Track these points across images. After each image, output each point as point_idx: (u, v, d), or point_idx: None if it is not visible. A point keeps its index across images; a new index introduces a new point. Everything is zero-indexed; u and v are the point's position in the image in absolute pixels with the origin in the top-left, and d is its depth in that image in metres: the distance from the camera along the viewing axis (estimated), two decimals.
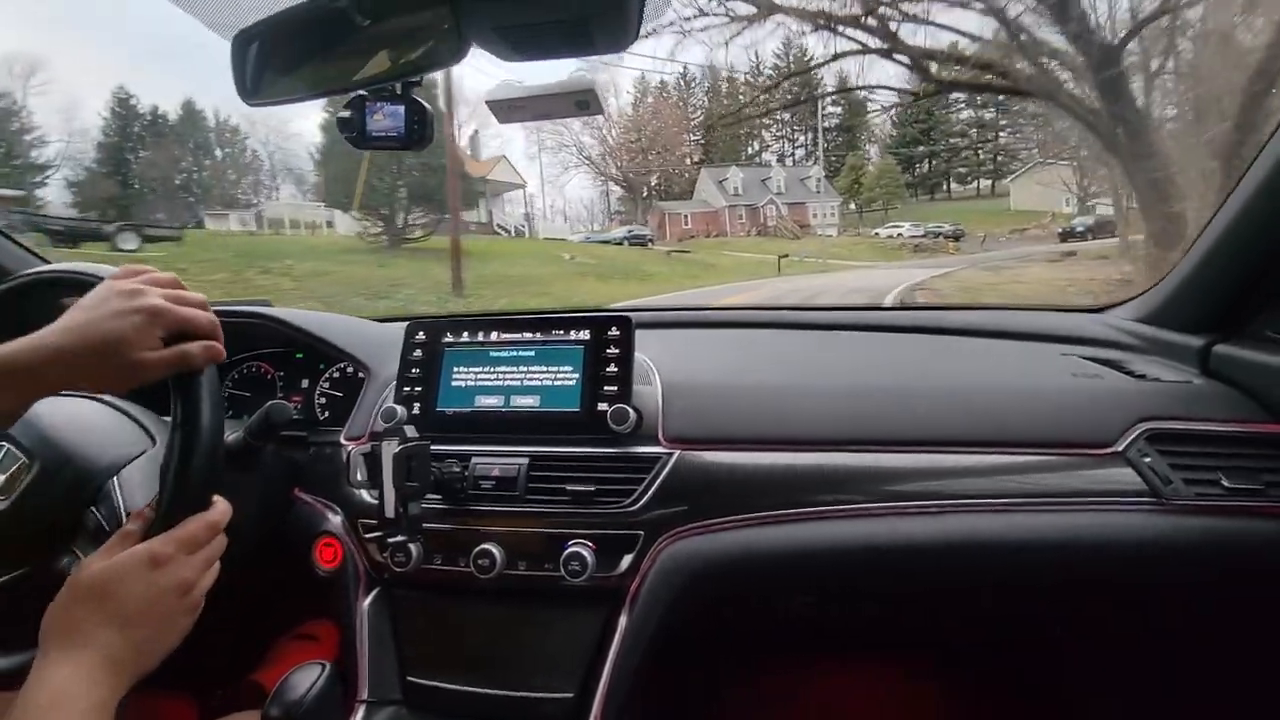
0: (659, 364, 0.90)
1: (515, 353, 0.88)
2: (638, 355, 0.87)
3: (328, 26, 0.65)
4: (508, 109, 0.75)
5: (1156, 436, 0.75)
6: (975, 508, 0.74)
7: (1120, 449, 0.75)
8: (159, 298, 0.58)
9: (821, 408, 0.83)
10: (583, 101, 0.73)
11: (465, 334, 0.90)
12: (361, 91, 0.69)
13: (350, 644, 0.81)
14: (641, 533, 0.77)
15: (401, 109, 0.71)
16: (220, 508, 0.60)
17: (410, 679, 0.80)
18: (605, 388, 0.83)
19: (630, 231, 24.18)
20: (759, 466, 0.79)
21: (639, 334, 0.86)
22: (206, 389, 0.60)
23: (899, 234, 24.62)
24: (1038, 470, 0.75)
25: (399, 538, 0.75)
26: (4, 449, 0.71)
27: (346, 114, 0.72)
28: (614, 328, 0.85)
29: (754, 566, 0.76)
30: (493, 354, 0.88)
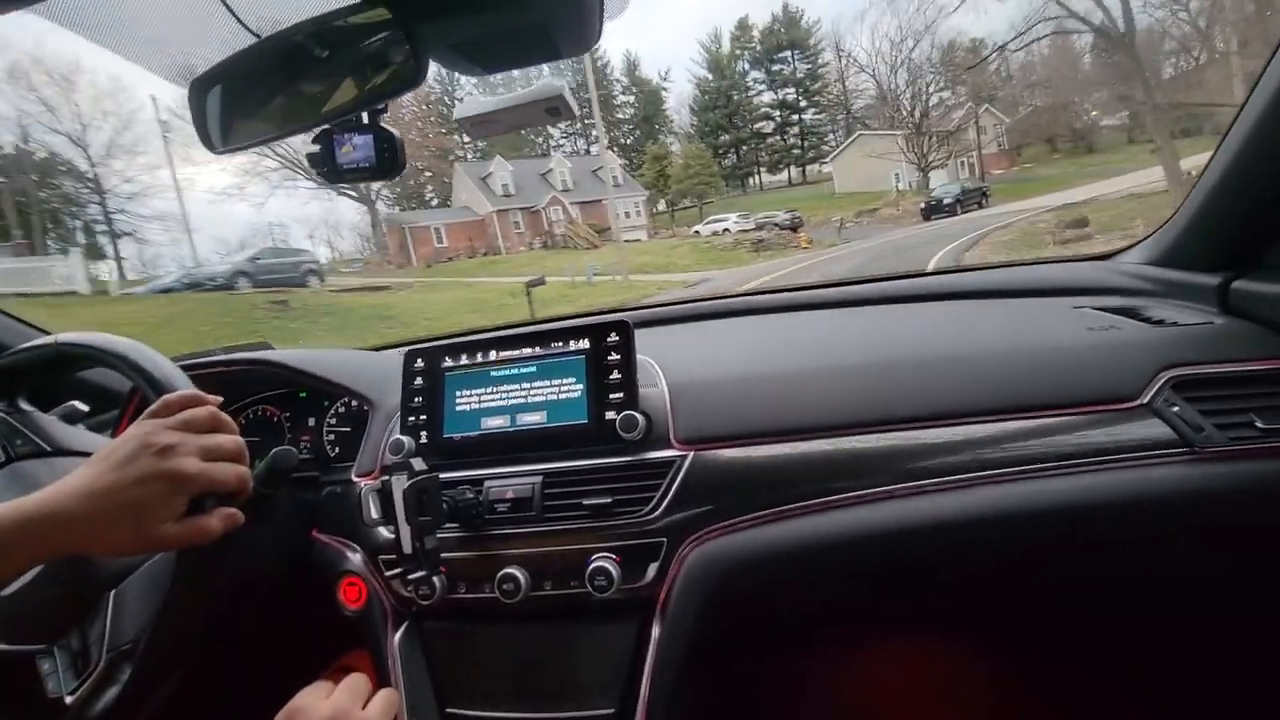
0: (663, 363, 0.88)
1: (517, 370, 0.86)
2: (640, 357, 0.85)
3: (285, 63, 0.63)
4: (478, 124, 0.73)
5: (1183, 383, 0.73)
6: (1003, 478, 0.72)
7: (1146, 401, 0.73)
8: (191, 456, 0.56)
9: (834, 391, 0.81)
10: (553, 109, 0.71)
11: (464, 356, 0.89)
12: (326, 125, 0.67)
13: (385, 680, 0.81)
14: (664, 539, 0.76)
15: (370, 138, 0.69)
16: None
17: (449, 710, 0.79)
18: (611, 396, 0.81)
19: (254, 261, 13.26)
20: (775, 459, 0.77)
21: (639, 334, 0.85)
22: (211, 546, 0.59)
23: (725, 229, 21.14)
24: (1063, 432, 0.73)
25: (419, 573, 0.74)
26: None
27: (315, 149, 0.70)
28: (613, 333, 0.83)
29: (782, 562, 0.74)
30: (494, 374, 0.87)
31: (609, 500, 0.77)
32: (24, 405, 0.78)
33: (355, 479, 0.90)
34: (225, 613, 0.75)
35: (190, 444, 0.56)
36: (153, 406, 0.60)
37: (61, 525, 0.52)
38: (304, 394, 1.10)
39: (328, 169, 0.70)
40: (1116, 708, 0.96)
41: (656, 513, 0.76)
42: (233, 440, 0.60)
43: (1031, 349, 0.82)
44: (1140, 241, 1.01)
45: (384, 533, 0.84)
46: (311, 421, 1.08)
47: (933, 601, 0.87)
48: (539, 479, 0.80)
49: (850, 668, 0.99)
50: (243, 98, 0.66)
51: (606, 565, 0.75)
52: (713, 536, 0.76)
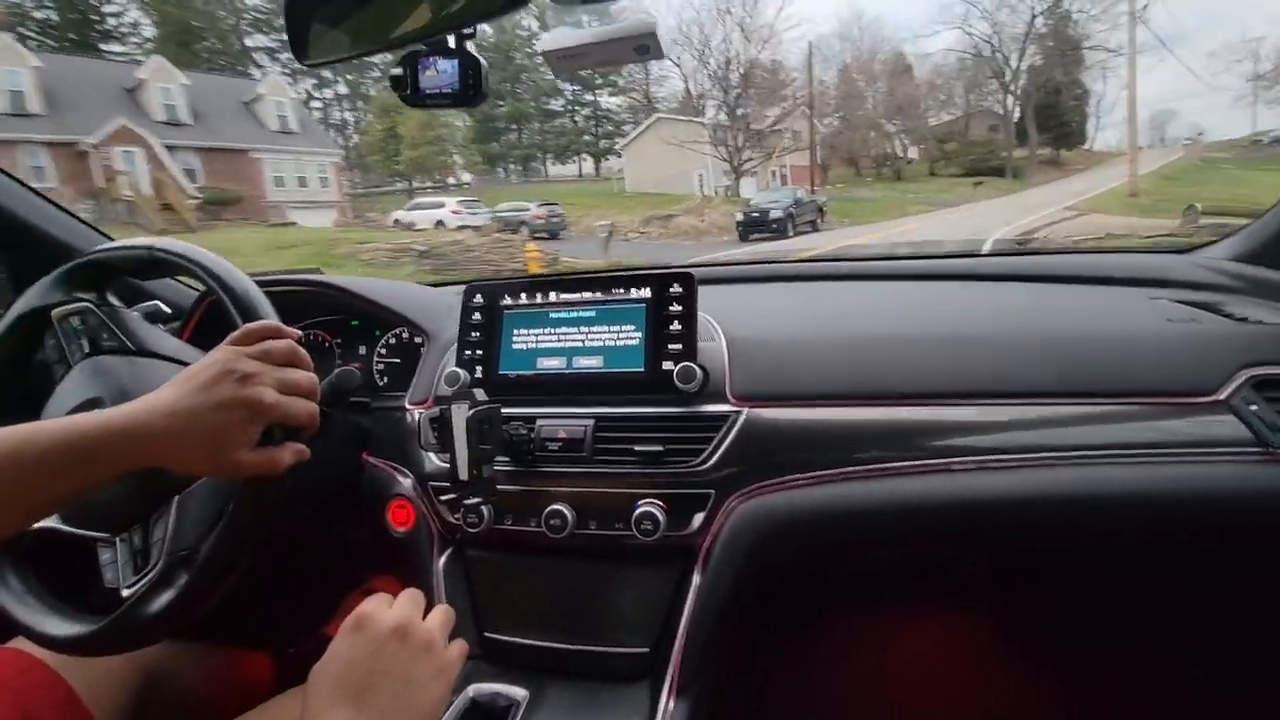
0: (722, 320, 0.87)
1: (576, 313, 0.86)
2: (700, 313, 0.85)
3: None
4: (565, 58, 0.72)
5: (1263, 383, 0.71)
6: (1066, 461, 0.71)
7: (1223, 397, 0.71)
8: (269, 386, 0.57)
9: (896, 360, 0.80)
10: (643, 46, 0.69)
11: (524, 295, 0.89)
12: (417, 47, 0.67)
13: (428, 602, 0.84)
14: (712, 491, 0.76)
15: (455, 63, 0.69)
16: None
17: (487, 635, 0.82)
18: (670, 346, 0.81)
19: None
20: (831, 422, 0.77)
21: (700, 290, 0.84)
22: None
23: (438, 223, 14.25)
24: (1133, 420, 0.72)
25: (474, 499, 0.76)
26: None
27: (398, 71, 0.70)
28: (676, 284, 0.83)
29: (828, 524, 0.75)
30: (553, 315, 0.87)
31: (660, 448, 0.78)
32: (112, 299, 0.79)
33: (409, 406, 0.92)
34: (281, 525, 0.78)
35: (269, 375, 0.58)
36: (236, 334, 0.62)
37: (143, 440, 0.54)
38: (355, 322, 1.12)
39: (410, 92, 0.70)
40: (1162, 694, 0.96)
41: (707, 465, 0.77)
42: (308, 376, 0.61)
43: (1106, 335, 0.80)
44: (1225, 237, 0.97)
45: (435, 460, 0.86)
46: (362, 350, 1.10)
47: (982, 578, 0.88)
48: (591, 422, 0.81)
49: (887, 636, 1.01)
50: (334, 12, 0.66)
51: (653, 511, 0.76)
52: (761, 493, 0.76)
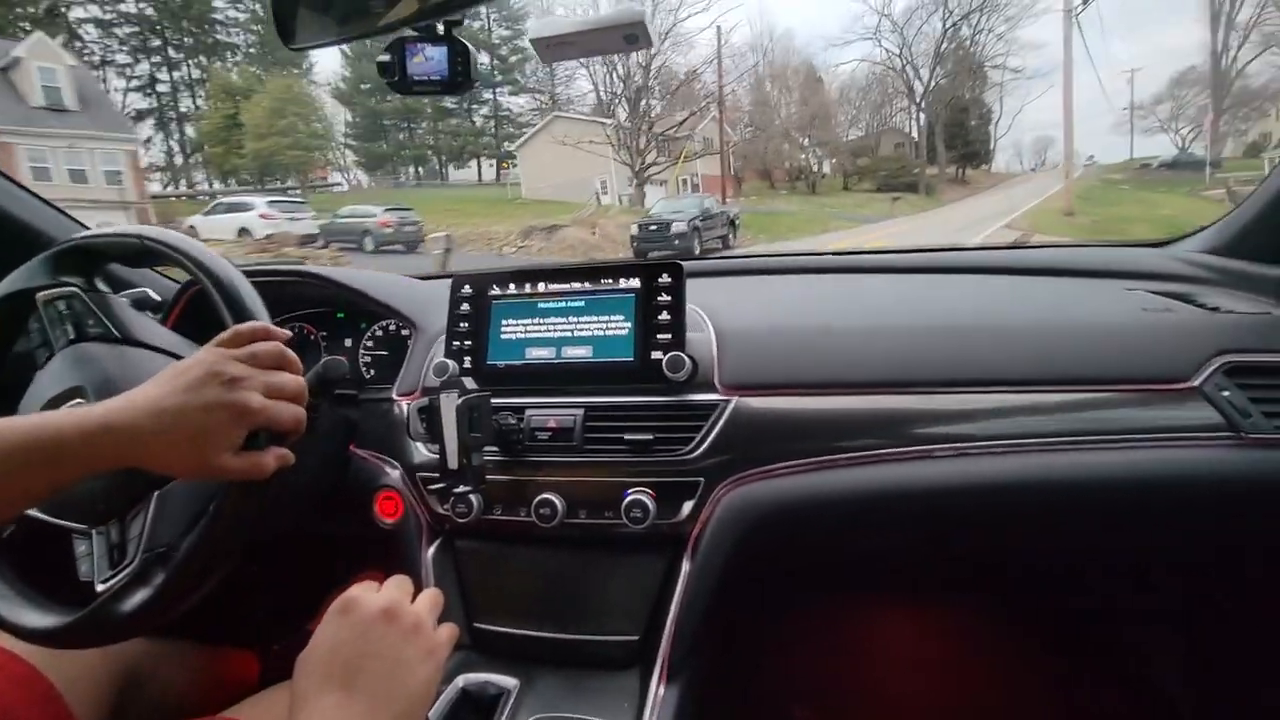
0: (710, 311, 0.88)
1: (564, 304, 0.86)
2: (688, 304, 0.85)
3: None
4: (553, 45, 0.72)
5: (1235, 369, 0.73)
6: (1045, 447, 0.72)
7: (1197, 384, 0.73)
8: (255, 390, 0.56)
9: (881, 350, 0.81)
10: (632, 35, 0.70)
11: (512, 286, 0.89)
12: (405, 33, 0.66)
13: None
14: (701, 479, 0.77)
15: (443, 50, 0.68)
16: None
17: (476, 625, 0.82)
18: (659, 336, 0.81)
19: None
20: (818, 411, 0.78)
21: (688, 283, 0.85)
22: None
23: (240, 230, 11.36)
24: (1110, 407, 0.73)
25: (463, 489, 0.76)
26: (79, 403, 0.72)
27: (386, 57, 0.69)
28: (665, 275, 0.83)
29: (816, 510, 0.76)
30: (541, 306, 0.87)
31: (650, 437, 0.78)
32: (100, 285, 0.77)
33: (396, 397, 0.92)
34: (265, 524, 0.77)
35: (256, 379, 0.57)
36: (224, 335, 0.60)
37: (125, 439, 0.53)
38: (341, 314, 1.11)
39: (398, 79, 0.70)
40: (1144, 675, 0.99)
41: (696, 453, 0.77)
42: (295, 380, 0.60)
43: (1084, 325, 0.82)
44: (1199, 231, 1.00)
45: (424, 450, 0.86)
46: (348, 342, 1.09)
47: (965, 565, 0.89)
48: (581, 411, 0.81)
49: (874, 624, 1.02)
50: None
51: (643, 499, 0.76)
52: (749, 480, 0.77)
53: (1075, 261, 1.03)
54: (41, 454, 0.52)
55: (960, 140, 31.47)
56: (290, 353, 0.61)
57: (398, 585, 0.60)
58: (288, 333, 0.62)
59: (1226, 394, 0.71)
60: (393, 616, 0.55)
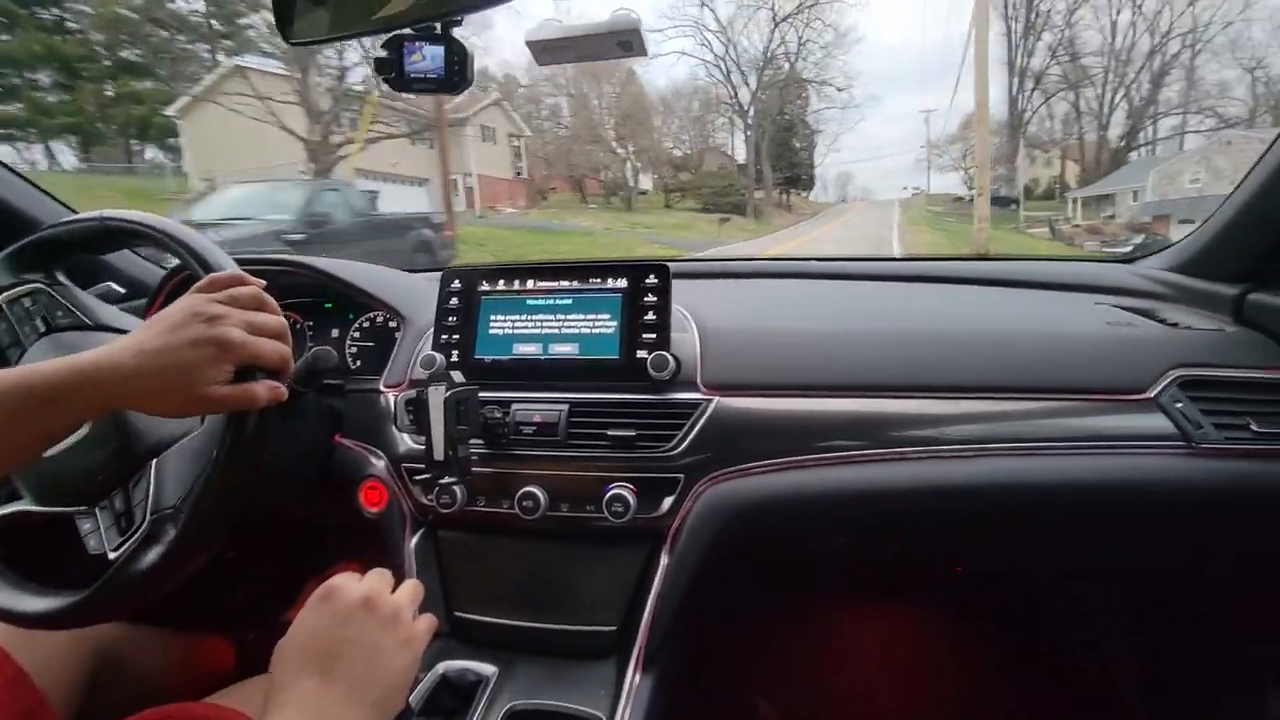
0: (694, 312, 0.90)
1: (552, 301, 0.88)
2: (674, 305, 0.88)
3: None
4: (548, 49, 0.74)
5: (1189, 383, 0.77)
6: (1012, 451, 0.76)
7: (1152, 395, 0.77)
8: (237, 327, 0.58)
9: (858, 354, 0.84)
10: (626, 41, 0.72)
11: (501, 282, 0.90)
12: (403, 31, 0.68)
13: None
14: (681, 476, 0.79)
15: (441, 49, 0.70)
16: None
17: (457, 614, 0.84)
18: (644, 335, 0.83)
19: None
20: (796, 412, 0.81)
21: (675, 284, 0.87)
22: (256, 420, 0.62)
23: None
24: (1072, 415, 0.77)
25: (448, 479, 0.77)
26: None
27: (383, 54, 0.70)
28: (651, 275, 0.85)
29: (792, 508, 0.78)
30: (529, 302, 0.89)
31: (633, 434, 0.80)
32: (62, 279, 0.78)
33: (383, 389, 0.93)
34: (257, 495, 0.78)
35: (236, 316, 0.58)
36: (199, 283, 0.62)
37: (114, 379, 0.54)
38: (329, 304, 1.12)
39: (395, 76, 0.71)
40: (1103, 676, 1.03)
41: (678, 450, 0.79)
42: (276, 319, 0.62)
43: (1050, 336, 0.85)
44: (1166, 248, 1.04)
45: (409, 441, 0.87)
46: (335, 333, 1.10)
47: (932, 565, 0.92)
48: (566, 407, 0.83)
49: (841, 622, 1.05)
50: None
51: (624, 494, 0.78)
52: (728, 478, 0.79)
53: (1049, 275, 1.07)
54: (41, 397, 0.52)
55: (786, 162, 30.28)
56: (268, 296, 0.63)
57: (378, 576, 0.61)
58: (262, 281, 0.63)
59: (1180, 405, 0.75)
60: (372, 605, 0.56)
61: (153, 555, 0.62)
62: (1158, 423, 0.76)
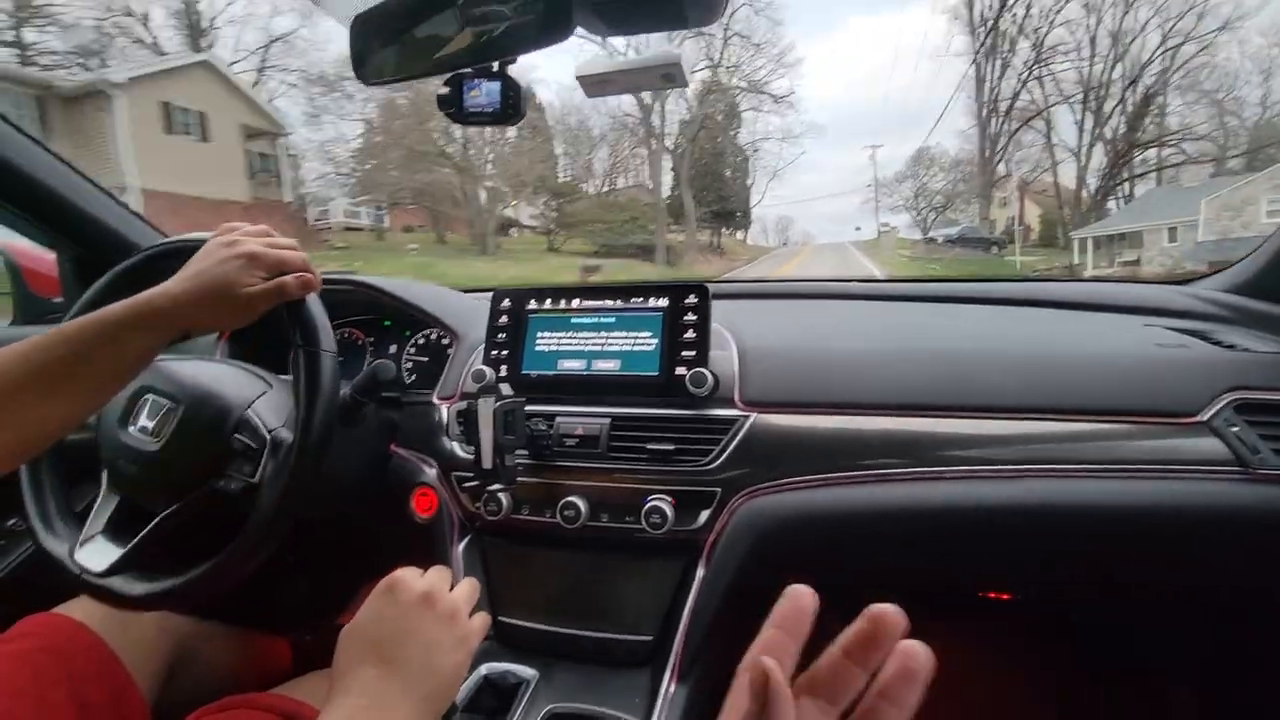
0: (734, 331, 0.93)
1: (596, 319, 0.92)
2: (713, 323, 0.90)
3: (433, 6, 0.70)
4: (597, 83, 0.78)
5: (1245, 406, 0.74)
6: (1055, 473, 0.75)
7: (1206, 418, 0.75)
8: (255, 244, 0.69)
9: (897, 373, 0.84)
10: (669, 75, 0.76)
11: (548, 301, 0.95)
12: (463, 70, 0.73)
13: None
14: (719, 490, 0.81)
15: (497, 85, 0.75)
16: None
17: (500, 618, 0.87)
18: (684, 353, 0.86)
19: None
20: (833, 430, 0.82)
21: (714, 304, 0.89)
22: (314, 307, 0.73)
23: None
24: (1120, 438, 0.75)
25: (495, 486, 0.81)
26: (149, 399, 0.80)
27: (445, 91, 0.77)
28: (692, 295, 0.88)
29: (828, 524, 0.79)
30: (574, 320, 0.93)
31: (672, 448, 0.83)
32: None
33: (436, 401, 0.98)
34: (319, 498, 0.84)
35: (255, 238, 0.71)
36: (217, 230, 0.73)
37: (167, 306, 0.65)
38: (388, 322, 1.18)
39: (454, 110, 0.77)
40: (1153, 707, 0.99)
41: (715, 464, 0.81)
42: (289, 240, 0.73)
43: (1096, 356, 0.84)
44: (1221, 270, 1.01)
45: (460, 451, 0.92)
46: (393, 349, 1.17)
47: (968, 585, 0.91)
48: (607, 421, 0.86)
49: None
50: (396, 37, 0.73)
51: (662, 506, 0.81)
52: (764, 493, 0.81)
53: (1097, 296, 1.05)
54: (117, 324, 0.64)
55: (714, 194, 23.34)
56: (274, 232, 0.74)
57: (438, 573, 0.64)
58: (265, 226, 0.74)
59: (1235, 429, 0.73)
60: (432, 601, 0.59)
61: (280, 484, 0.71)
62: (1212, 447, 0.74)
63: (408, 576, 0.61)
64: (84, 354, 0.63)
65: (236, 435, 0.76)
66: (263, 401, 0.80)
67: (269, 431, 0.77)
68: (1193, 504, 0.71)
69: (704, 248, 22.94)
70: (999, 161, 21.68)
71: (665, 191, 22.24)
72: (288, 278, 0.70)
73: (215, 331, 0.72)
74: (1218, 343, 0.85)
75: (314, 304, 0.74)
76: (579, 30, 0.67)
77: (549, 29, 0.64)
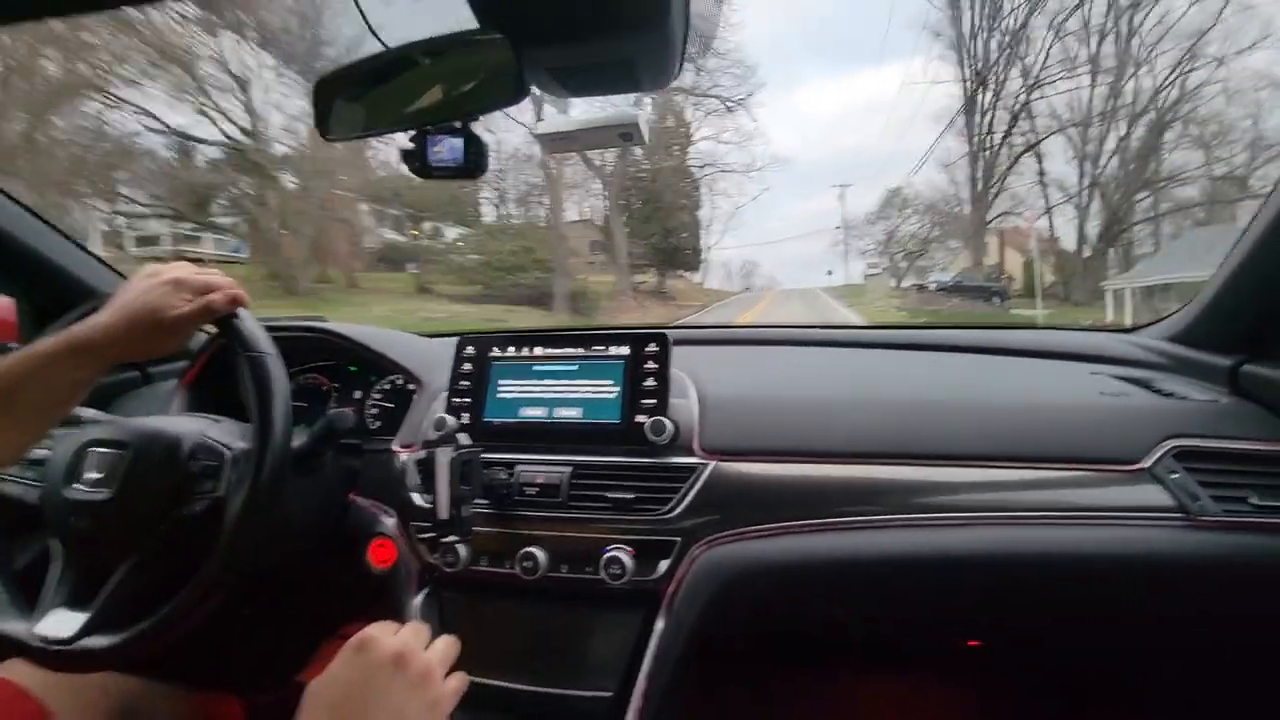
0: (695, 378, 0.94)
1: (559, 367, 0.93)
2: (673, 370, 0.91)
3: (400, 69, 0.72)
4: (555, 141, 0.81)
5: (1185, 454, 0.77)
6: (1007, 520, 0.76)
7: (1147, 465, 0.77)
8: (179, 270, 0.71)
9: (854, 421, 0.86)
10: (626, 133, 0.79)
11: (511, 349, 0.96)
12: (423, 126, 0.76)
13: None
14: (678, 539, 0.81)
15: (460, 141, 0.77)
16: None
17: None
18: (644, 401, 0.87)
19: None
20: (793, 478, 0.83)
21: (675, 350, 0.91)
22: (246, 318, 0.74)
23: None
24: (1067, 485, 0.77)
25: (452, 538, 0.80)
26: (93, 452, 0.78)
27: (410, 146, 0.78)
28: (652, 344, 0.90)
29: (787, 573, 0.79)
30: (536, 368, 0.94)
31: (631, 496, 0.83)
32: None
33: (397, 449, 0.97)
34: (274, 548, 0.82)
35: (180, 266, 0.73)
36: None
37: (96, 336, 0.66)
38: (353, 368, 1.18)
39: (419, 165, 0.79)
40: None
41: (674, 513, 0.81)
42: (209, 270, 0.75)
43: (1046, 405, 0.86)
44: (1164, 319, 1.06)
45: (419, 501, 0.90)
46: (357, 394, 1.16)
47: (928, 633, 0.91)
48: (569, 469, 0.86)
49: (844, 692, 1.03)
50: (356, 97, 0.75)
51: (622, 556, 0.80)
52: (723, 542, 0.81)
53: (1046, 343, 1.09)
54: (74, 349, 0.66)
55: (657, 228, 18.28)
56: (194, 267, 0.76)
57: (413, 630, 0.62)
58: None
59: (1175, 476, 0.75)
60: (404, 663, 0.57)
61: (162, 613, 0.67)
62: (1155, 494, 0.76)
63: (379, 634, 0.59)
64: (16, 387, 0.63)
65: (193, 459, 0.76)
66: (216, 429, 0.80)
67: (227, 448, 0.77)
68: (1137, 552, 0.73)
69: (647, 291, 18.48)
70: (996, 197, 18.39)
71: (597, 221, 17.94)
72: (214, 295, 0.72)
73: (146, 358, 0.73)
74: (1158, 391, 0.88)
75: (246, 316, 0.75)
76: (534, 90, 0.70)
77: (504, 92, 0.66)
